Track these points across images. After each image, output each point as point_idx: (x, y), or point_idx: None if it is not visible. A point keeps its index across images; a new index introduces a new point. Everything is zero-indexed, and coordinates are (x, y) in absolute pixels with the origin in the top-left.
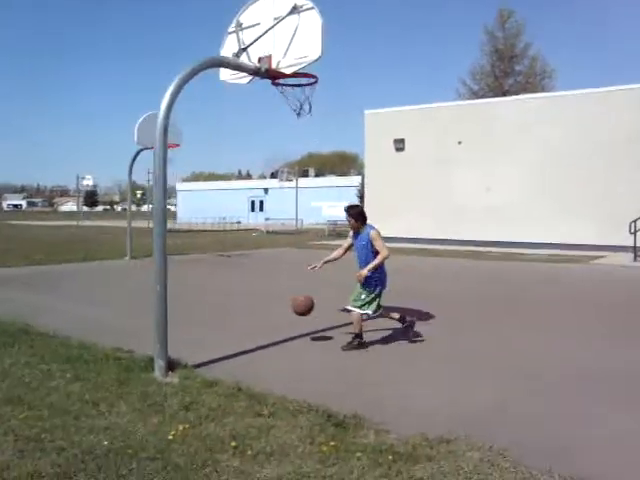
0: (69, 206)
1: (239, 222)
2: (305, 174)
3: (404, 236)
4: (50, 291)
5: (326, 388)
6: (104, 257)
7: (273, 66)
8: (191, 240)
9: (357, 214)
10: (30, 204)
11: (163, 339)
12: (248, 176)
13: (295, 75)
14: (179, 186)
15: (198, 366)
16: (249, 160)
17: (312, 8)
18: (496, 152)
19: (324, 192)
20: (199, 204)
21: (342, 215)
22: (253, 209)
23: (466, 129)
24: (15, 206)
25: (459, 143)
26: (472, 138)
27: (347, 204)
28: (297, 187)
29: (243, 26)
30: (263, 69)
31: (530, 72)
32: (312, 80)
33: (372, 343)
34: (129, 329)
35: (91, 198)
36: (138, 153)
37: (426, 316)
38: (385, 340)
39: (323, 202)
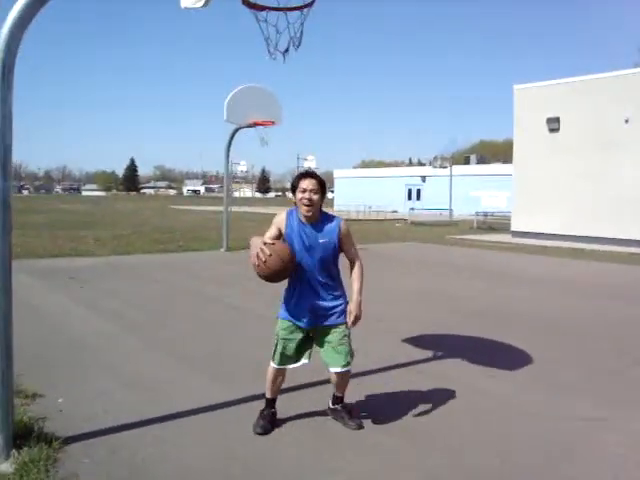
0: (243, 192)
1: (395, 211)
2: (467, 161)
3: (555, 232)
4: (85, 290)
5: None
6: (203, 248)
7: None
8: None
9: (323, 185)
10: (208, 190)
11: (4, 399)
12: (420, 164)
13: None
14: (336, 173)
15: (81, 438)
16: (429, 149)
17: None
18: None
19: (485, 181)
20: (356, 192)
21: (502, 206)
22: (410, 197)
23: (637, 104)
24: (194, 192)
25: (626, 122)
26: None
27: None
28: (451, 175)
29: None
30: None
31: None
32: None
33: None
34: (109, 356)
35: (263, 185)
36: (235, 132)
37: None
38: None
39: (483, 191)
